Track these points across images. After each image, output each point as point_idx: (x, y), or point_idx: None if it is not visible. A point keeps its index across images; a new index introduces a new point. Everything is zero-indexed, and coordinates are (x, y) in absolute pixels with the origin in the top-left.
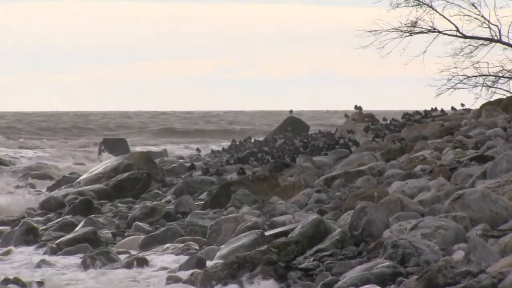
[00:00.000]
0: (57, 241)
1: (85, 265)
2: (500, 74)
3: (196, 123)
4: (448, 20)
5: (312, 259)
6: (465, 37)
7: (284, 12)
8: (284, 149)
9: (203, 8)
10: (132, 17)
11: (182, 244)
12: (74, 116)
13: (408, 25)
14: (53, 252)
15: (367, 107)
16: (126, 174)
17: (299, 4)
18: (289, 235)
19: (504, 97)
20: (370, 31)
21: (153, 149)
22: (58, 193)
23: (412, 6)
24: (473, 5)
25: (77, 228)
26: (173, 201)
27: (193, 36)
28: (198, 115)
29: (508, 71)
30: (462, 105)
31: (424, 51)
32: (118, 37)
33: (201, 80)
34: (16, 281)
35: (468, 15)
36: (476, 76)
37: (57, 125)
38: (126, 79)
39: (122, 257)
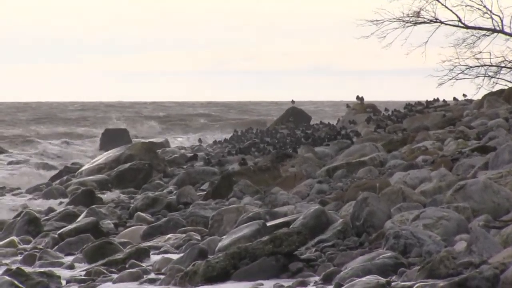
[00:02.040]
0: (59, 232)
1: (86, 257)
2: (502, 65)
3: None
4: (450, 11)
5: (314, 249)
6: (467, 27)
7: (284, 2)
8: (286, 139)
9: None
10: (130, 9)
11: (184, 235)
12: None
13: (410, 15)
14: (55, 242)
15: (368, 98)
16: (127, 165)
17: None
18: (291, 226)
19: (506, 87)
20: (372, 21)
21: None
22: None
23: None
24: None
25: (79, 219)
26: (175, 192)
27: (192, 27)
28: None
29: (510, 62)
30: (464, 95)
31: (426, 42)
32: (116, 28)
33: (200, 71)
34: (19, 272)
35: (470, 6)
36: (478, 67)
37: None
38: (124, 70)
39: (124, 247)
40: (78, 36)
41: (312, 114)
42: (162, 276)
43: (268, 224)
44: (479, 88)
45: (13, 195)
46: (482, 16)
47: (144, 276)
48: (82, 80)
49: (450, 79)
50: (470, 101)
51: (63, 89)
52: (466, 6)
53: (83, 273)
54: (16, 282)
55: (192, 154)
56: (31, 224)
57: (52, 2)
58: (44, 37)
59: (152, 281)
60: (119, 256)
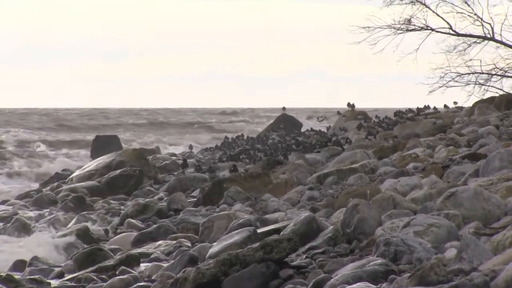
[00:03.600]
0: None
1: (76, 263)
2: (493, 72)
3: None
4: (441, 18)
5: (304, 256)
6: (458, 35)
7: (274, 9)
8: (277, 146)
9: (194, 5)
10: (123, 14)
11: (174, 241)
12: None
13: (401, 22)
14: None
15: (360, 105)
16: (118, 171)
17: (288, 1)
18: (281, 233)
19: (497, 95)
20: (363, 27)
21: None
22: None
23: (406, 3)
24: (466, 3)
25: (69, 225)
26: (165, 198)
27: (184, 33)
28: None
29: (500, 69)
30: (455, 103)
31: (417, 49)
32: (109, 33)
33: (192, 77)
34: (9, 278)
35: (461, 13)
36: (469, 74)
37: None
38: (116, 76)
39: (114, 254)
40: (65, 42)
41: (302, 120)
42: (152, 283)
43: (259, 231)
44: (470, 95)
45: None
46: (473, 24)
47: (135, 283)
48: (70, 87)
49: (441, 87)
50: (461, 108)
51: (56, 95)
52: (457, 13)
53: (73, 279)
54: None
55: (183, 160)
56: (21, 231)
57: (44, 7)
58: (36, 43)
59: None
60: (109, 262)
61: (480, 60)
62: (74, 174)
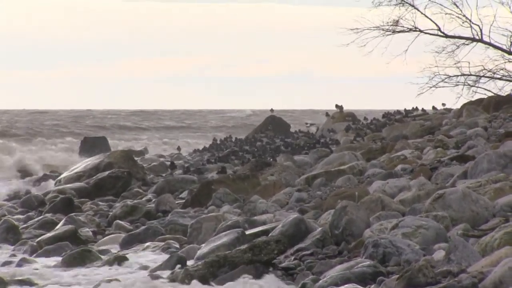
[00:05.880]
0: (38, 239)
1: (65, 263)
2: (481, 74)
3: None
4: (430, 19)
5: (292, 258)
6: (446, 36)
7: (261, 11)
8: (265, 148)
9: (181, 7)
10: (110, 15)
11: (163, 243)
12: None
13: (390, 23)
14: (34, 250)
15: (348, 106)
16: (106, 173)
17: (275, 3)
18: (269, 234)
19: (485, 96)
20: (352, 29)
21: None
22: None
23: (395, 5)
24: (455, 4)
25: (57, 227)
26: (153, 200)
27: (171, 35)
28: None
29: (489, 71)
30: (443, 104)
31: (406, 50)
32: (96, 35)
33: (179, 79)
34: None
35: (450, 14)
36: (458, 76)
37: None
38: (103, 77)
39: (103, 255)
40: (56, 41)
41: (290, 122)
42: None
43: (247, 232)
44: (459, 97)
45: None
46: (462, 25)
47: None
48: (62, 88)
49: (430, 88)
50: (449, 110)
51: (47, 96)
52: (445, 14)
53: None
54: None
55: (171, 162)
56: (9, 232)
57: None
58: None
59: None
60: (97, 264)
61: (469, 62)
62: (62, 176)
